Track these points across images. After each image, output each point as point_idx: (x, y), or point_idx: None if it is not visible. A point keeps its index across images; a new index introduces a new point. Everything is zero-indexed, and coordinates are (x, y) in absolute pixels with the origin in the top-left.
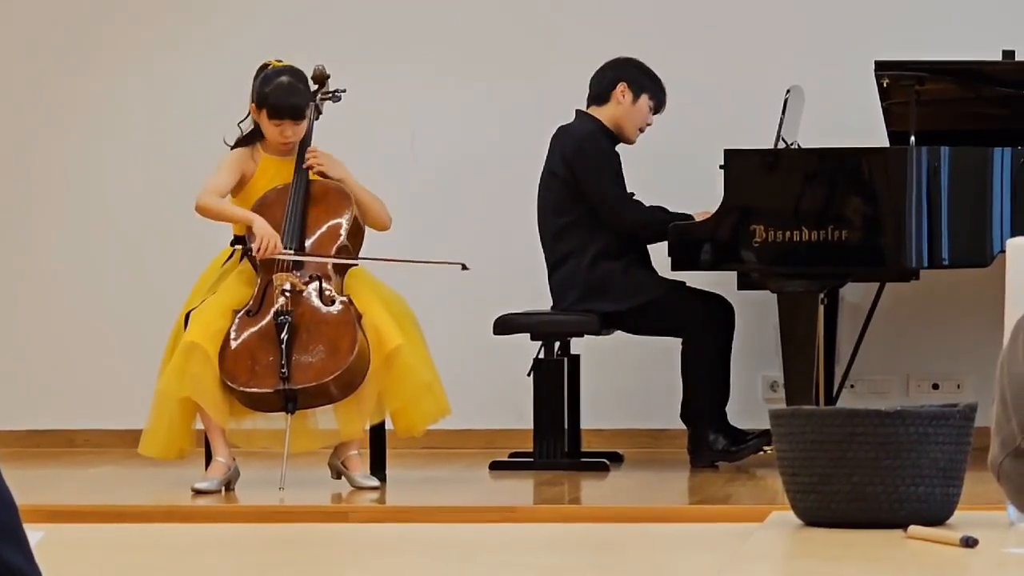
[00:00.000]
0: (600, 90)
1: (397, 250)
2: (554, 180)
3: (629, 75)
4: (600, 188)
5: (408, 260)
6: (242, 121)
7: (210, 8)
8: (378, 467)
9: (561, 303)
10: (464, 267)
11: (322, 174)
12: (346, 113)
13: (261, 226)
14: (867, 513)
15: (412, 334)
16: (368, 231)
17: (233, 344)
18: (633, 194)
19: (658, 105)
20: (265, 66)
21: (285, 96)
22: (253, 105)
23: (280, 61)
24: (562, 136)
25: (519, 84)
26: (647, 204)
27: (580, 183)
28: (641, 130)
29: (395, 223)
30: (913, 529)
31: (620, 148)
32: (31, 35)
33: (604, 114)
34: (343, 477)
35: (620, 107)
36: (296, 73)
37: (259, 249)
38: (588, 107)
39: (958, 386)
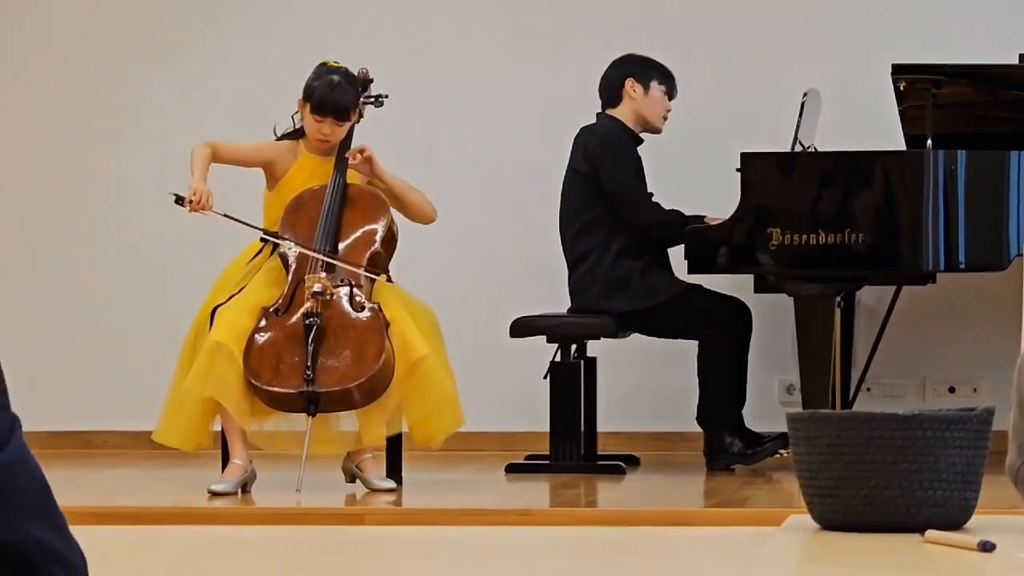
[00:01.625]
0: (610, 92)
1: (413, 252)
2: (576, 178)
3: (633, 69)
4: (619, 180)
5: (344, 263)
6: (296, 113)
7: (233, 13)
8: (394, 469)
9: (580, 300)
10: (389, 279)
11: (365, 171)
12: (364, 116)
13: (195, 181)
14: (884, 517)
15: (436, 345)
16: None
17: (259, 341)
18: (652, 195)
19: (670, 90)
20: (323, 64)
21: (331, 93)
22: (300, 98)
23: (338, 63)
24: (585, 134)
25: (536, 88)
26: (665, 208)
27: (601, 176)
28: (664, 118)
29: (410, 226)
30: (930, 533)
31: (641, 148)
32: (53, 40)
33: (623, 113)
34: (358, 480)
35: (635, 101)
36: (348, 76)
37: (189, 202)
38: (604, 110)
39: (974, 390)
